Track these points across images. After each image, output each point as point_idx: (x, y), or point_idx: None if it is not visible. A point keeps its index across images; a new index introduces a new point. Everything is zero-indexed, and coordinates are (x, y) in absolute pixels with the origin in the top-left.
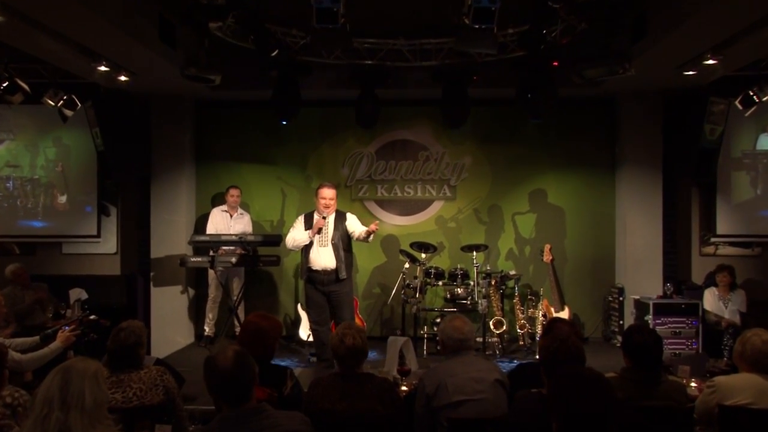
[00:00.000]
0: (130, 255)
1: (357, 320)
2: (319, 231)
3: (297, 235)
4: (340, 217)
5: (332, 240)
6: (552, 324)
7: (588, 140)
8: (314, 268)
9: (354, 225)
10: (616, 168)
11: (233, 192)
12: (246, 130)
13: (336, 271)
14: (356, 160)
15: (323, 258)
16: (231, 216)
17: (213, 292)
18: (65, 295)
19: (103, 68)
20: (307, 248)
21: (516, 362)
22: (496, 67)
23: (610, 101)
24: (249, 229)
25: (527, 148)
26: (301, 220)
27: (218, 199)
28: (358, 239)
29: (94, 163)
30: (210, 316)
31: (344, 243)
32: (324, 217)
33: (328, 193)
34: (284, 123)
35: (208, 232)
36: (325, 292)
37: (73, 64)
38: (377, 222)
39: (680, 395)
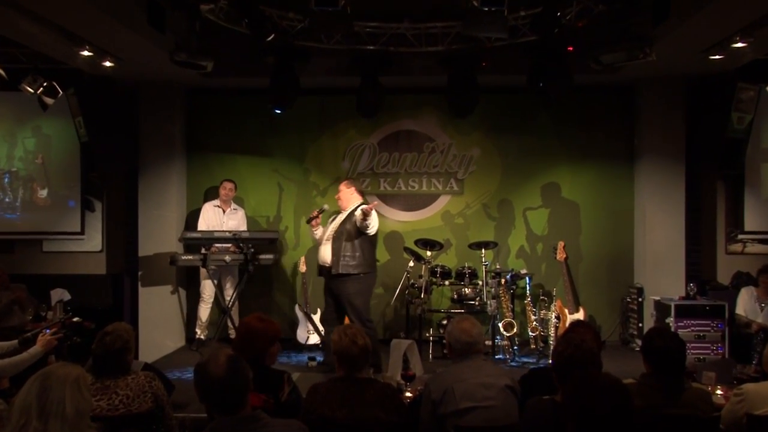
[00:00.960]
0: (117, 253)
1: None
2: (309, 221)
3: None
4: (354, 211)
5: (334, 234)
6: (571, 327)
7: (605, 130)
8: (318, 263)
9: (357, 214)
10: (635, 160)
11: (227, 185)
12: (240, 119)
13: (330, 268)
14: (357, 152)
15: (323, 252)
16: (224, 211)
17: (205, 292)
18: (46, 295)
19: (86, 53)
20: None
21: (529, 366)
22: (507, 52)
23: (629, 88)
24: (243, 225)
25: (540, 138)
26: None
27: (211, 194)
28: (358, 227)
29: (77, 154)
30: (202, 318)
31: (349, 238)
32: (321, 210)
33: (340, 187)
34: (278, 112)
35: (199, 228)
36: (330, 288)
37: (54, 48)
38: (375, 203)
39: (705, 403)
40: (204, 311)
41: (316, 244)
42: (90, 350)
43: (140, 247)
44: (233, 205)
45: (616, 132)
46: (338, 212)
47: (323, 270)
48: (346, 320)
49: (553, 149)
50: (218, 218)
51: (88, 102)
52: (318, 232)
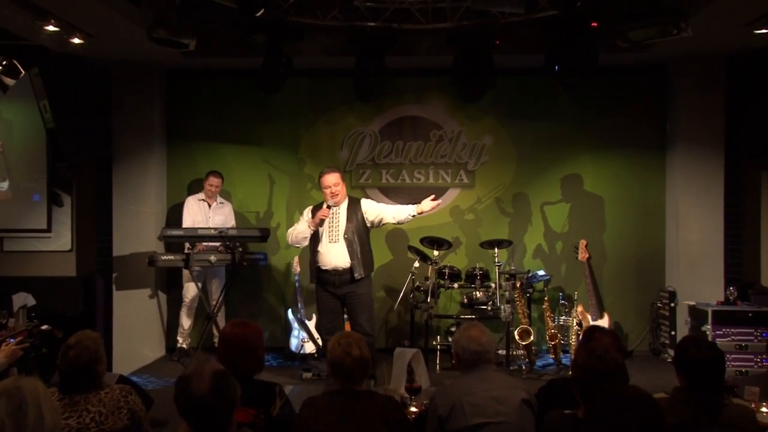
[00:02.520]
0: (88, 252)
1: None
2: (321, 223)
3: (299, 226)
4: (353, 205)
5: (344, 234)
6: (589, 334)
7: (633, 115)
8: (324, 268)
9: (377, 210)
10: (668, 148)
11: (213, 180)
12: (226, 104)
13: (350, 270)
14: (357, 140)
15: (334, 256)
16: (210, 206)
17: (189, 296)
18: (7, 300)
19: (51, 28)
20: (314, 245)
21: (546, 378)
22: (523, 29)
23: (661, 68)
24: (231, 221)
25: (559, 125)
26: (307, 212)
27: (195, 187)
28: (398, 222)
29: (42, 142)
30: (184, 325)
31: (360, 236)
32: (329, 206)
33: (330, 179)
34: (267, 95)
35: (185, 224)
36: (338, 294)
37: (14, 22)
38: (433, 197)
39: (748, 422)
40: (186, 317)
41: (295, 245)
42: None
43: (115, 245)
44: (219, 199)
45: (645, 117)
46: (320, 204)
47: (331, 275)
48: (347, 327)
49: (575, 137)
50: (203, 213)
51: (54, 83)
52: (306, 231)
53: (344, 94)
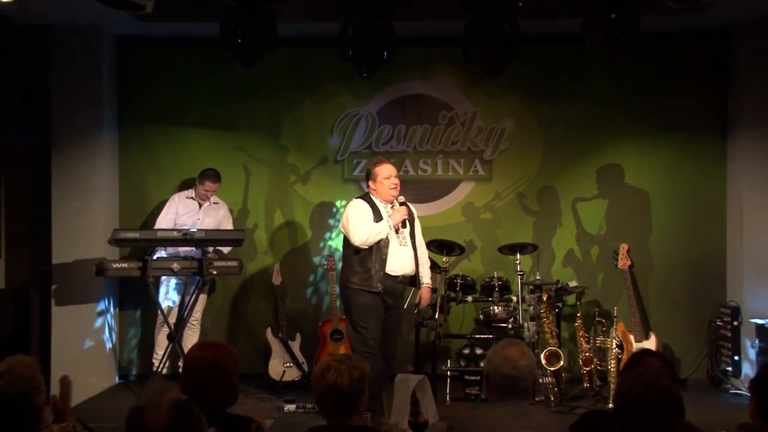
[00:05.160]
0: (20, 260)
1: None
2: (404, 224)
3: (378, 225)
4: (408, 208)
5: (411, 238)
6: (638, 358)
7: (687, 93)
8: (393, 274)
9: (419, 232)
10: (729, 133)
11: (210, 185)
12: (192, 79)
13: (413, 278)
14: (350, 123)
15: (405, 260)
16: (200, 206)
17: (161, 312)
18: None
19: None
20: (379, 247)
21: (579, 412)
22: None
23: (722, 34)
24: (227, 224)
25: (596, 105)
26: (363, 206)
27: (184, 185)
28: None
29: None
30: (159, 351)
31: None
32: (403, 203)
33: (394, 170)
34: (243, 69)
35: (158, 225)
36: (391, 306)
37: None
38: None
39: None
40: (163, 336)
41: (365, 246)
42: None
43: (55, 251)
44: (214, 198)
45: (702, 95)
46: (366, 196)
47: (396, 283)
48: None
49: (615, 120)
50: (192, 214)
51: None
52: (386, 231)
53: (335, 67)
